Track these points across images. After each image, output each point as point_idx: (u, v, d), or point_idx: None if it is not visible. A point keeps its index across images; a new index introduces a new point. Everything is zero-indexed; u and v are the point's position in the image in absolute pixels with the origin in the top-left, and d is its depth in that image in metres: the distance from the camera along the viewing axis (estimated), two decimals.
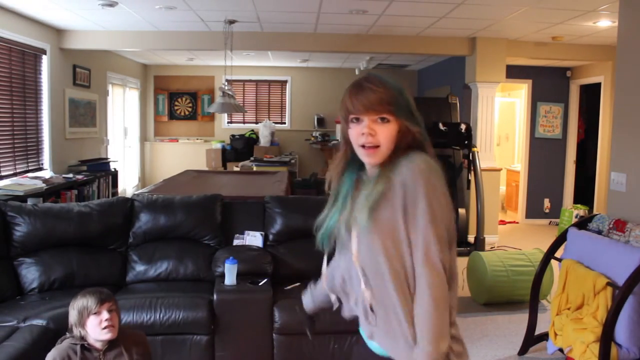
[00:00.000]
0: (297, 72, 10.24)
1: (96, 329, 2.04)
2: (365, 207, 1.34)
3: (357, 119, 1.36)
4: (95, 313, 2.04)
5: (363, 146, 1.36)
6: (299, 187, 7.52)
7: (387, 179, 1.33)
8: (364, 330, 1.47)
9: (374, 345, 1.42)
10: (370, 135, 1.34)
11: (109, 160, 7.61)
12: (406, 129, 1.37)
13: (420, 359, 1.25)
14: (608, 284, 2.94)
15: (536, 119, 7.95)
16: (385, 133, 1.35)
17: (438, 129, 6.01)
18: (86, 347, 2.05)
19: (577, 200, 7.90)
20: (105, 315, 2.04)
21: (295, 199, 4.07)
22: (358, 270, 1.38)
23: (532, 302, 3.55)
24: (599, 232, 3.36)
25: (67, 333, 2.15)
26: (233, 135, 9.86)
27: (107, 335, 2.04)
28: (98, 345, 2.07)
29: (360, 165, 1.44)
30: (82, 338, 2.06)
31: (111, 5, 5.07)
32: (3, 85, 5.30)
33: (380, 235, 1.32)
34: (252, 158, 8.75)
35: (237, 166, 8.34)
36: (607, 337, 2.79)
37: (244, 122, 10.39)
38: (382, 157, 1.36)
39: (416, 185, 1.29)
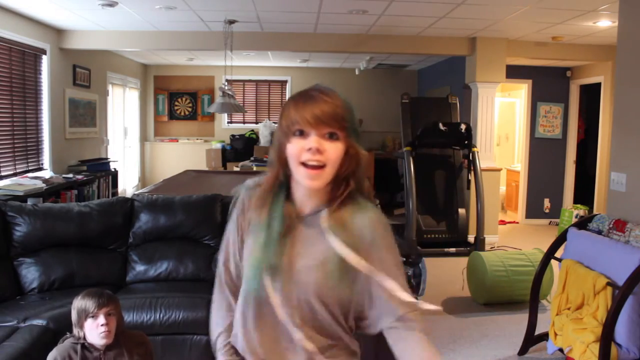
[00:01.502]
0: (297, 72, 10.24)
1: (93, 332, 2.03)
2: (335, 271, 1.17)
3: (302, 132, 1.15)
4: (92, 316, 2.03)
5: (305, 165, 1.15)
6: None
7: (343, 230, 1.18)
8: None
9: None
10: (318, 151, 1.14)
11: (109, 160, 7.61)
12: (354, 151, 1.20)
13: None
14: (608, 284, 2.94)
15: (536, 119, 7.94)
16: (334, 152, 1.16)
17: (438, 129, 6.01)
18: (86, 347, 2.05)
19: (577, 200, 7.89)
20: (101, 320, 2.03)
21: None
22: (293, 322, 1.19)
23: (532, 302, 3.55)
24: (599, 232, 3.36)
25: (67, 333, 2.15)
26: (233, 135, 9.86)
27: (102, 341, 2.04)
28: (98, 345, 2.07)
29: (288, 192, 1.23)
30: (82, 338, 2.06)
31: (111, 5, 5.07)
32: (3, 85, 5.29)
33: (342, 283, 1.19)
34: (252, 158, 8.74)
35: (237, 166, 8.33)
36: (607, 337, 2.79)
37: (244, 122, 10.39)
38: (325, 180, 1.17)
39: (380, 239, 1.21)
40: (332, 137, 1.16)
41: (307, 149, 1.14)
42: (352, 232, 1.19)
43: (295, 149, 1.16)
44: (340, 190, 1.21)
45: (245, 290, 1.24)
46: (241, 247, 1.28)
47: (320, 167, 1.15)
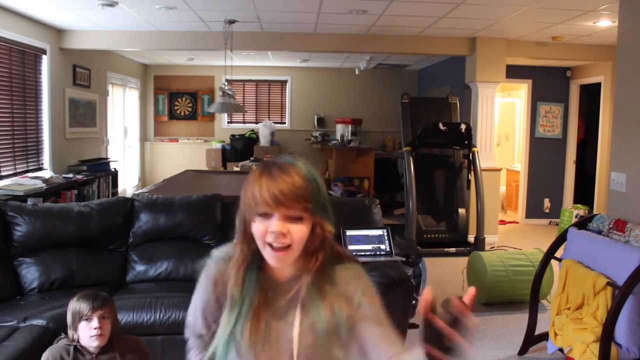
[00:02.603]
0: (297, 72, 10.24)
1: (86, 335, 2.02)
2: (324, 332, 1.17)
3: (265, 214, 1.13)
4: (86, 319, 2.02)
5: (271, 245, 1.14)
6: None
7: (330, 293, 1.19)
8: None
9: None
10: (282, 235, 1.12)
11: (109, 160, 7.61)
12: (320, 228, 1.18)
13: None
14: (608, 284, 2.94)
15: (536, 119, 7.95)
16: (298, 233, 1.14)
17: (438, 129, 6.01)
18: (79, 349, 2.04)
19: (577, 200, 7.89)
20: (95, 323, 2.01)
21: None
22: None
23: (532, 302, 3.55)
24: (599, 232, 3.36)
25: (62, 334, 2.15)
26: (233, 135, 9.86)
27: (94, 344, 2.02)
28: (91, 348, 2.05)
29: (260, 263, 1.21)
30: (76, 340, 2.06)
31: (111, 5, 5.07)
32: (3, 85, 5.30)
33: (330, 346, 1.19)
34: (252, 158, 8.75)
35: (237, 166, 8.33)
36: (607, 337, 2.79)
37: (244, 122, 10.39)
38: (292, 258, 1.17)
39: (362, 293, 1.21)
40: (295, 219, 1.13)
41: (271, 231, 1.12)
42: (336, 295, 1.19)
43: (260, 229, 1.14)
44: (312, 263, 1.20)
45: (220, 353, 1.21)
46: (217, 315, 1.24)
47: (286, 248, 1.14)
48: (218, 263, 1.27)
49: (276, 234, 1.12)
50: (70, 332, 2.06)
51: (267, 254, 1.15)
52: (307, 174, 1.15)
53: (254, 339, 1.17)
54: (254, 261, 1.21)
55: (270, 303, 1.20)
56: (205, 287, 1.27)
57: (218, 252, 1.29)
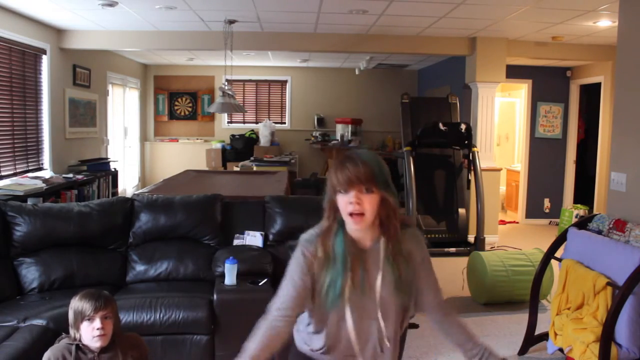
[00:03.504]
0: (297, 72, 10.24)
1: (88, 335, 2.02)
2: (396, 282, 1.59)
3: (345, 191, 1.53)
4: (89, 319, 2.02)
5: (351, 214, 1.53)
6: (299, 187, 7.52)
7: (401, 252, 1.60)
8: None
9: None
10: (357, 204, 1.52)
11: (109, 160, 7.61)
12: (386, 200, 1.56)
13: (487, 345, 1.62)
14: (608, 283, 2.94)
15: (536, 119, 7.95)
16: (370, 203, 1.53)
17: (438, 129, 6.01)
18: (81, 348, 2.04)
19: (577, 200, 7.89)
20: (97, 323, 2.01)
21: (295, 199, 4.07)
22: (380, 321, 1.60)
23: (532, 302, 3.55)
24: (599, 232, 3.36)
25: (63, 333, 2.14)
26: (233, 135, 9.86)
27: (96, 344, 2.02)
28: (93, 347, 2.05)
29: (346, 234, 1.59)
30: (78, 339, 2.05)
31: (111, 5, 5.07)
32: (3, 85, 5.30)
33: (402, 293, 1.60)
34: (252, 158, 8.75)
35: (237, 166, 8.34)
36: (607, 337, 2.79)
37: (244, 122, 10.39)
38: (367, 223, 1.55)
39: (423, 251, 1.67)
40: (367, 191, 1.52)
41: (349, 202, 1.52)
42: (405, 254, 1.61)
43: (342, 203, 1.54)
44: (386, 231, 1.59)
45: (325, 301, 1.57)
46: (310, 286, 1.59)
47: (361, 214, 1.52)
48: (308, 242, 1.61)
49: (354, 203, 1.51)
50: (72, 331, 2.06)
51: (349, 221, 1.54)
52: (371, 160, 1.55)
53: (350, 291, 1.56)
54: (341, 230, 1.58)
55: (359, 264, 1.58)
56: (300, 262, 1.60)
57: (306, 235, 1.64)
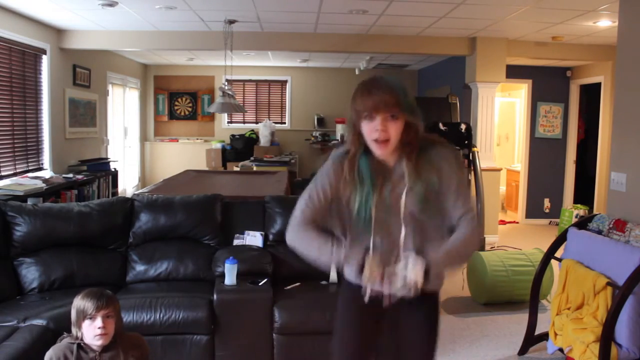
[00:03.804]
0: (297, 72, 10.24)
1: (90, 334, 2.03)
2: (420, 196, 1.64)
3: (370, 117, 1.56)
4: (91, 318, 2.02)
5: (376, 140, 1.57)
6: (299, 187, 7.51)
7: (426, 168, 1.63)
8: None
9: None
10: (382, 131, 1.55)
11: (109, 160, 7.61)
12: (411, 123, 1.59)
13: (430, 257, 1.57)
14: (608, 283, 2.94)
15: (536, 119, 7.95)
16: (395, 128, 1.56)
17: (438, 129, 6.01)
18: (82, 347, 2.05)
19: (577, 200, 7.89)
20: (99, 322, 2.01)
21: (295, 199, 4.05)
22: (409, 232, 1.66)
23: (532, 302, 3.55)
24: (599, 232, 3.36)
25: (64, 332, 2.14)
26: (233, 135, 9.86)
27: (98, 343, 2.02)
28: (94, 346, 2.05)
29: (368, 153, 1.65)
30: (80, 338, 2.06)
31: (111, 5, 5.07)
32: (3, 85, 5.30)
33: (427, 207, 1.65)
34: (252, 158, 8.75)
35: (237, 166, 8.34)
36: (607, 337, 2.79)
37: (244, 122, 10.39)
38: (391, 149, 1.60)
39: (451, 164, 1.67)
40: (392, 117, 1.55)
41: (375, 129, 1.55)
42: (432, 170, 1.63)
43: (367, 129, 1.58)
44: (408, 151, 1.62)
45: (358, 219, 1.66)
46: (334, 191, 1.70)
47: (386, 140, 1.57)
48: (339, 157, 1.70)
49: (379, 130, 1.55)
50: (73, 330, 2.06)
51: (374, 147, 1.61)
52: (396, 85, 1.57)
53: (379, 205, 1.65)
54: (364, 153, 1.65)
55: (385, 181, 1.66)
56: (328, 170, 1.71)
57: (337, 151, 1.73)
